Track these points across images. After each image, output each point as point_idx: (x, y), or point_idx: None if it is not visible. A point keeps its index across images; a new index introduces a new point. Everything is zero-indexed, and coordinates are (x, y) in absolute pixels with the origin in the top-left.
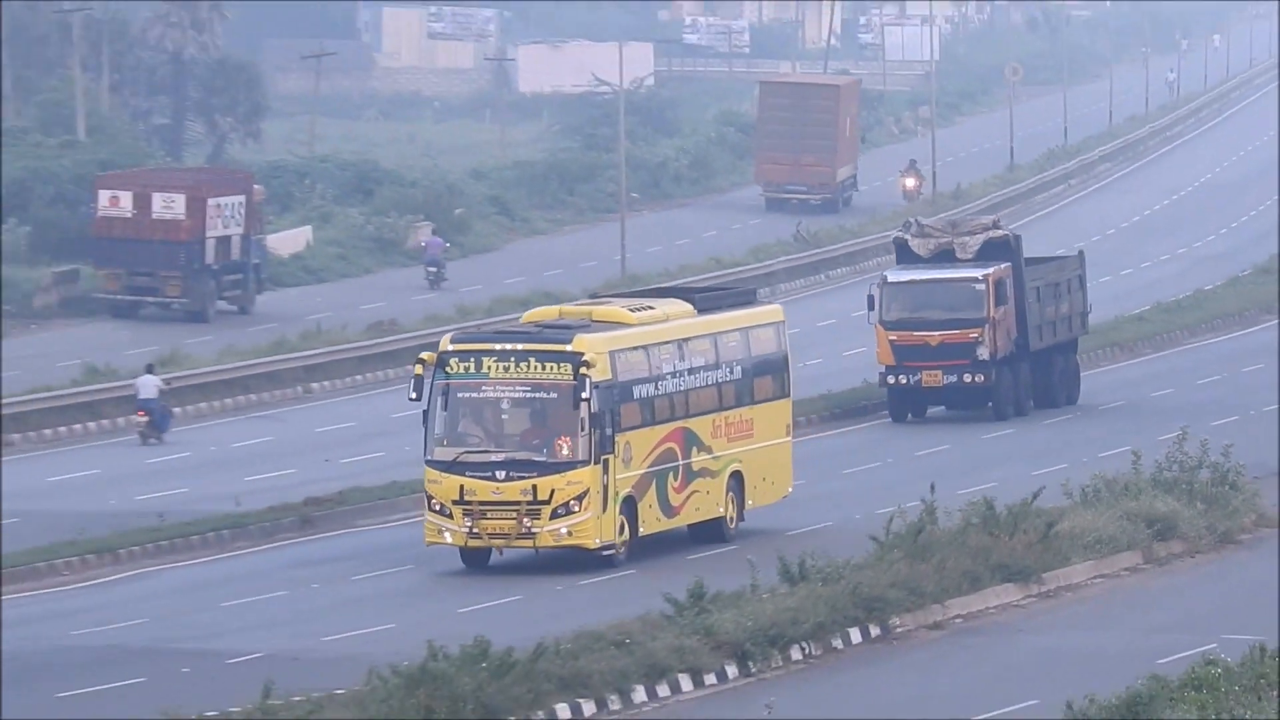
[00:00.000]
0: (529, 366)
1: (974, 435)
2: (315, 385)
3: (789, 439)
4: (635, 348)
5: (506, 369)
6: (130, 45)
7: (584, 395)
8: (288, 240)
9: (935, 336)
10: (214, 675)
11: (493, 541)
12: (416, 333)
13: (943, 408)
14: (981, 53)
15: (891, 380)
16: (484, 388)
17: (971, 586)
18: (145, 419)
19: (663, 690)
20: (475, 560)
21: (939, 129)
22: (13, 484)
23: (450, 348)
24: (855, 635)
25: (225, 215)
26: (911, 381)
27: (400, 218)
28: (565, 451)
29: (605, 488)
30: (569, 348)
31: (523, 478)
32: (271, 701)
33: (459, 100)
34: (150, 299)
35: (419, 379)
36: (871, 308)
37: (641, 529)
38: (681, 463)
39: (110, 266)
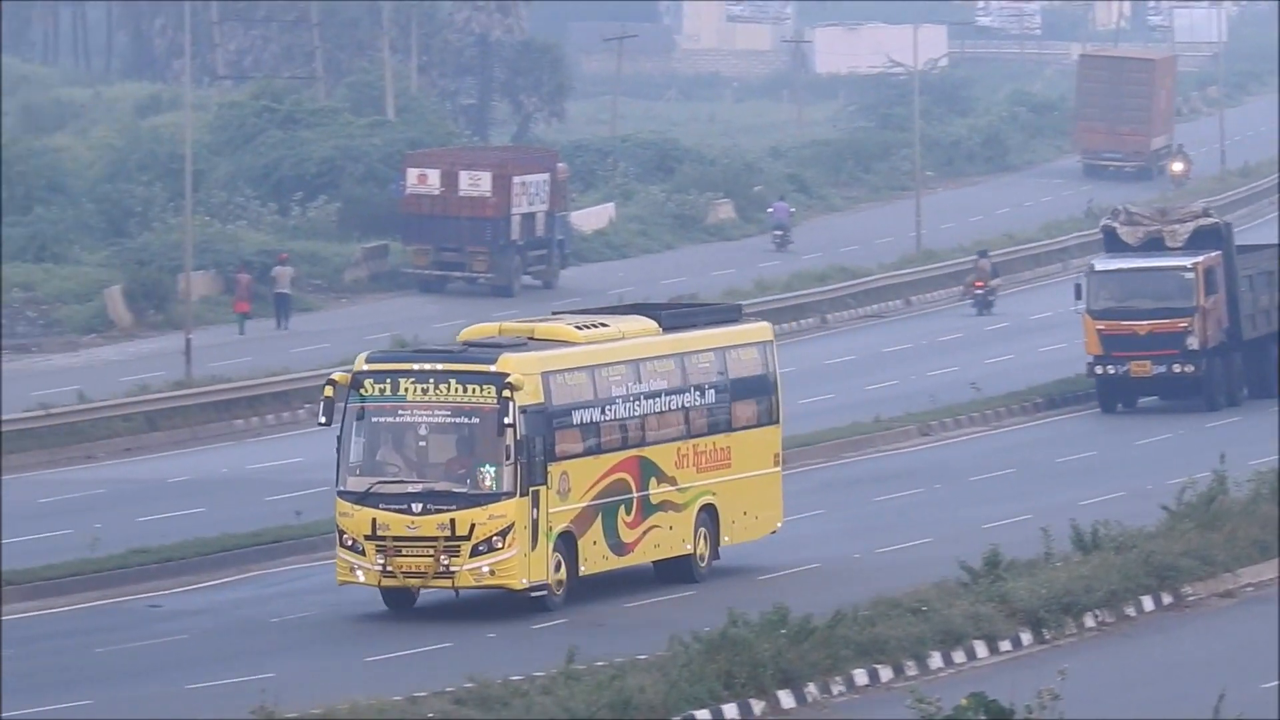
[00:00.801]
0: (449, 389)
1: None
2: None
3: (778, 469)
4: (576, 369)
5: (425, 391)
6: (438, 28)
7: (507, 420)
8: (591, 217)
9: (1144, 326)
10: (519, 640)
11: (408, 581)
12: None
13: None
14: (1269, 34)
15: (1099, 370)
16: (400, 412)
17: (1261, 555)
18: None
19: (958, 656)
20: (398, 601)
21: (1226, 109)
22: (324, 453)
23: (365, 367)
24: (1148, 603)
25: (530, 192)
26: (1119, 372)
27: (700, 195)
28: (488, 482)
29: (535, 522)
30: (493, 368)
31: (440, 511)
32: (575, 666)
33: (757, 81)
34: (457, 274)
35: (329, 401)
36: (1079, 297)
37: (582, 568)
38: (636, 495)
39: (418, 242)
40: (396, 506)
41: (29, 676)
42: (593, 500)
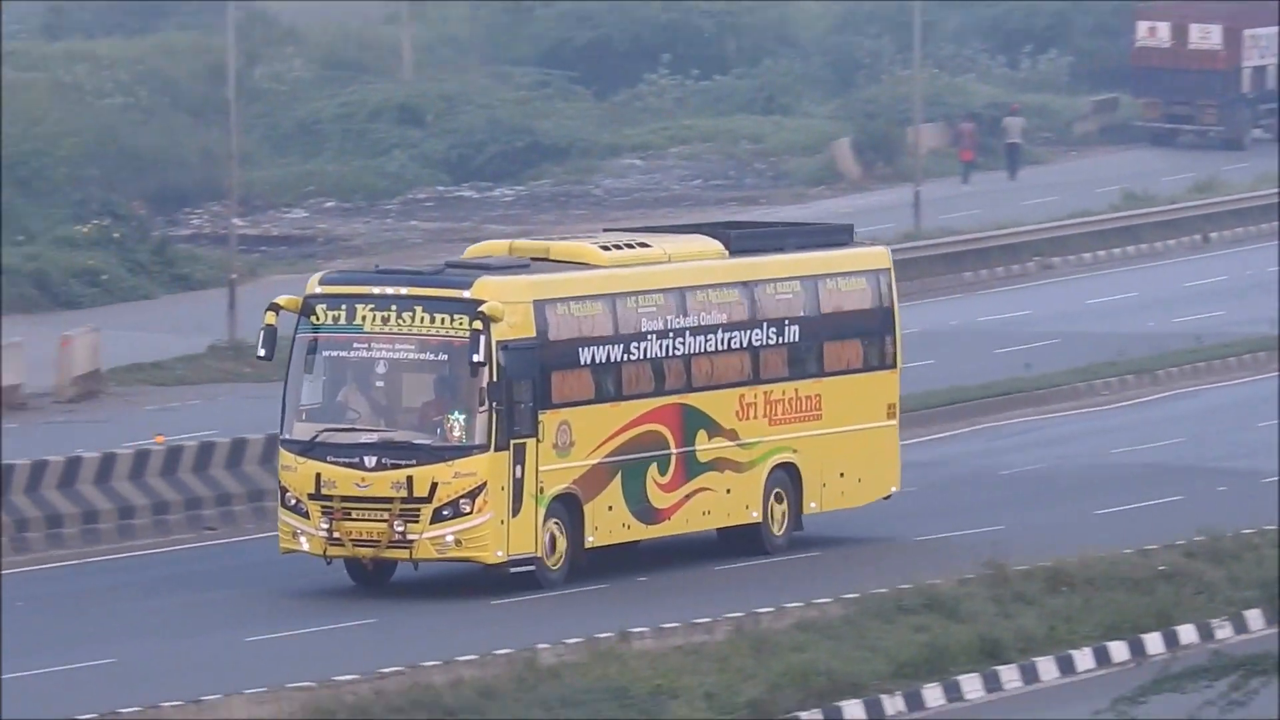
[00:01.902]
0: (414, 318)
1: None
2: None
3: (893, 422)
4: (587, 297)
5: (386, 320)
6: None
7: (478, 357)
8: None
9: None
10: (1249, 494)
11: (358, 550)
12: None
13: None
14: None
15: None
16: (357, 345)
17: None
18: None
19: None
20: (365, 575)
21: None
22: (1054, 306)
23: (318, 290)
24: None
25: (1261, 46)
26: None
27: None
28: (457, 432)
29: (519, 482)
30: (466, 294)
31: (397, 466)
32: None
33: None
34: (1187, 127)
35: (270, 330)
36: None
37: (590, 538)
38: (676, 451)
39: (1148, 95)
40: (346, 460)
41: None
42: (608, 456)
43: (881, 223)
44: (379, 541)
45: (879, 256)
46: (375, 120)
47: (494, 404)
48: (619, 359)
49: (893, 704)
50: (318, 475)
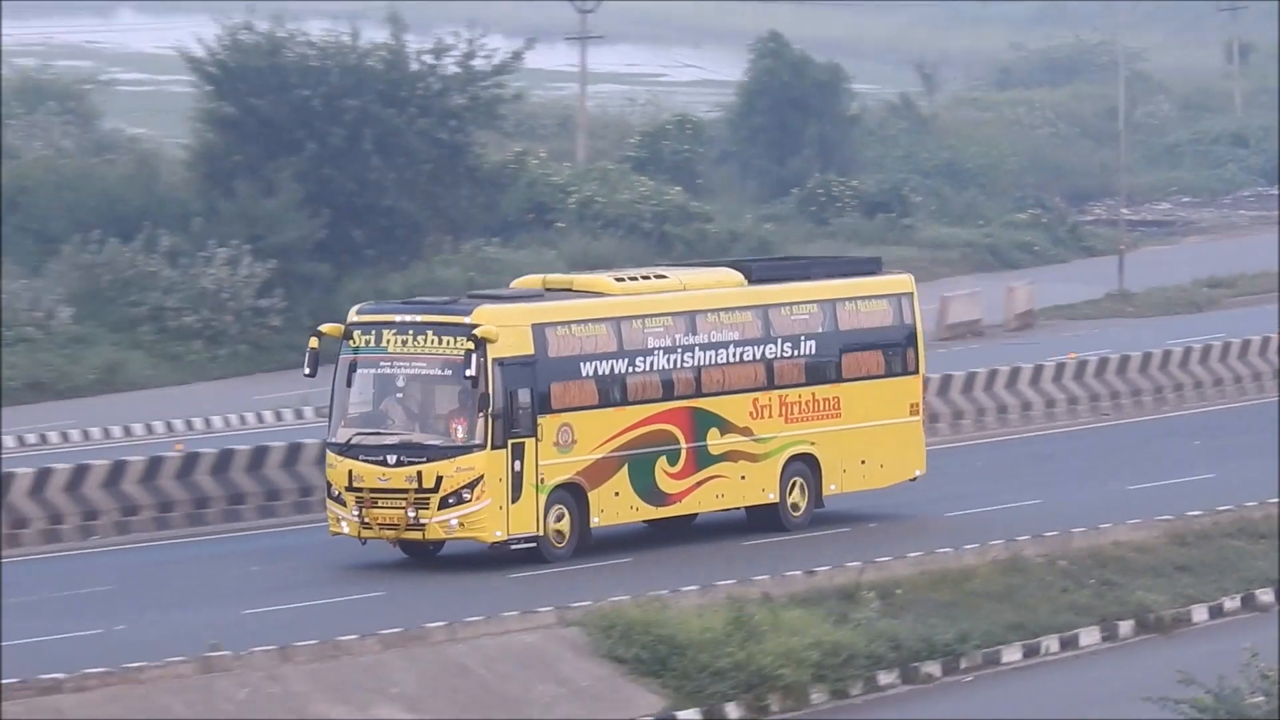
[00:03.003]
0: (426, 340)
1: None
2: None
3: (915, 418)
4: (590, 320)
5: (404, 342)
6: None
7: (470, 372)
8: None
9: None
10: None
11: (383, 533)
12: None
13: None
14: None
15: None
16: (383, 363)
17: None
18: None
19: None
20: (414, 550)
21: None
22: None
23: (354, 319)
24: None
25: None
26: None
27: None
28: (460, 434)
29: (518, 474)
30: (465, 320)
31: (411, 463)
32: None
33: None
34: None
35: (314, 353)
36: None
37: (597, 519)
38: (686, 446)
39: None
40: (373, 458)
41: None
42: (614, 451)
43: None
44: (399, 525)
45: (902, 283)
46: (1216, 143)
47: (490, 410)
48: (622, 371)
49: None
50: (350, 471)
